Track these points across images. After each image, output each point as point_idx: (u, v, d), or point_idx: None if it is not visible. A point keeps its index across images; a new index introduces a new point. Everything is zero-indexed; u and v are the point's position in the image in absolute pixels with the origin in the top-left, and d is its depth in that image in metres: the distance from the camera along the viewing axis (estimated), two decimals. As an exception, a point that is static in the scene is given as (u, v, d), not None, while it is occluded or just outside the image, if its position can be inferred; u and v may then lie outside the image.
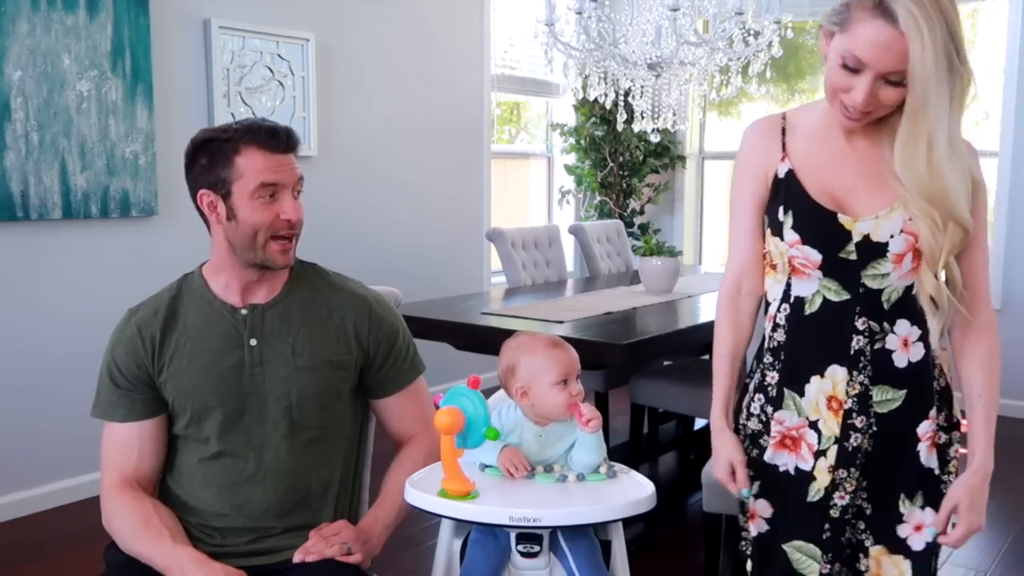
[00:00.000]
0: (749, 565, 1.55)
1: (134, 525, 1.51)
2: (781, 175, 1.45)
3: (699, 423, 3.99)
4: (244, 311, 1.59)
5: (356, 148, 4.30)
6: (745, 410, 1.55)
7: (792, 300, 1.46)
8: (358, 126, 4.30)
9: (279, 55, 3.90)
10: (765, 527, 1.51)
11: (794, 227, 1.42)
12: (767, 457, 1.50)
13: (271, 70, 3.88)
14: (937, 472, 1.42)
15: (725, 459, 1.52)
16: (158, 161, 3.45)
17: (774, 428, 1.49)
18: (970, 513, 1.38)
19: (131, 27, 3.33)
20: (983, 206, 1.40)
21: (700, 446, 3.76)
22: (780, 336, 1.48)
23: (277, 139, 1.52)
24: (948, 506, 1.40)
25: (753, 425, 1.53)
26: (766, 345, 1.51)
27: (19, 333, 3.20)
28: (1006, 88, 4.48)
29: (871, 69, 1.28)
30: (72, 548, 2.93)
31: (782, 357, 1.48)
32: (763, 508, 1.51)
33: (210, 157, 1.52)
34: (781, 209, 1.44)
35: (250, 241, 1.52)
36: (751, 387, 1.55)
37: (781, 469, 1.49)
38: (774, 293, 1.49)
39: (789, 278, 1.46)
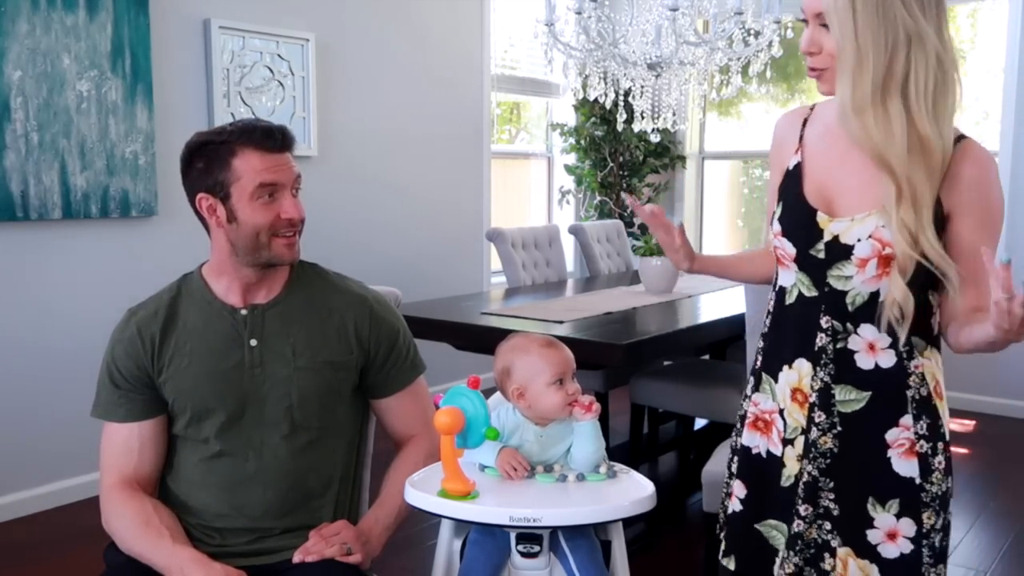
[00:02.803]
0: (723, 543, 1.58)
1: (134, 525, 1.51)
2: (790, 167, 1.47)
3: (699, 423, 3.99)
4: (244, 311, 1.59)
5: (356, 148, 4.30)
6: (743, 394, 1.59)
7: (777, 289, 1.50)
8: (358, 126, 4.30)
9: (279, 55, 3.90)
10: (739, 507, 1.53)
11: (779, 219, 1.45)
12: (744, 438, 1.54)
13: (271, 70, 3.88)
14: (919, 481, 1.40)
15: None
16: (158, 161, 3.45)
17: (750, 409, 1.53)
18: None
19: (131, 27, 3.33)
20: (968, 188, 1.32)
21: (700, 446, 3.76)
22: (768, 322, 1.52)
23: (273, 139, 1.52)
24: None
25: (744, 406, 1.57)
26: (761, 331, 1.55)
27: (19, 333, 3.20)
28: (1006, 88, 4.48)
29: (806, 13, 1.33)
30: (72, 548, 2.93)
31: (765, 343, 1.52)
32: (738, 488, 1.53)
33: (206, 161, 1.51)
34: (777, 200, 1.48)
35: (253, 242, 1.52)
36: (749, 371, 1.60)
37: (754, 452, 1.52)
38: (774, 282, 1.54)
39: (776, 267, 1.50)
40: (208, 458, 1.58)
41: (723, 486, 1.62)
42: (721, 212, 6.04)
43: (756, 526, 1.50)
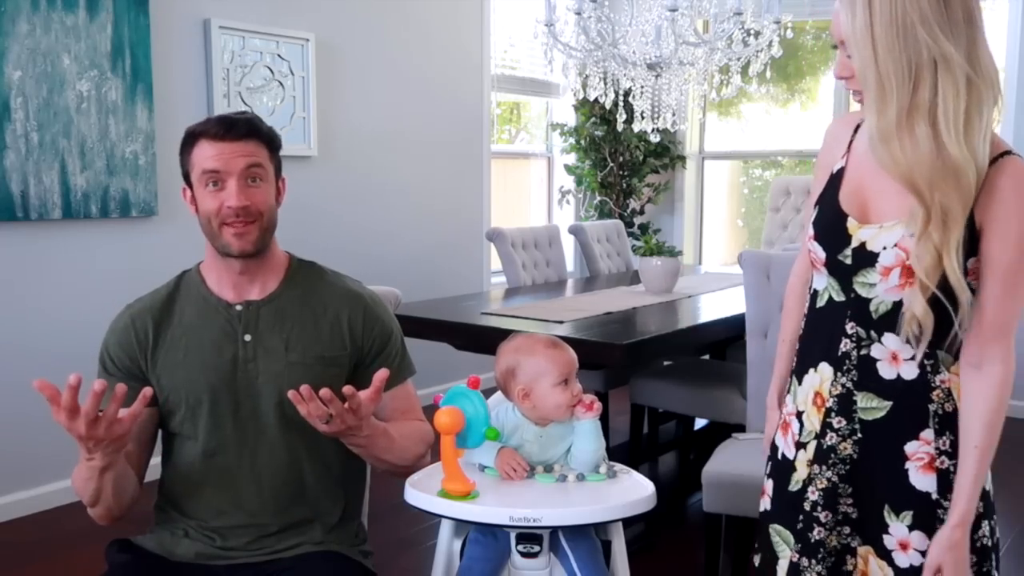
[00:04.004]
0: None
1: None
2: (834, 171, 1.46)
3: (699, 423, 3.99)
4: (239, 307, 1.60)
5: (356, 148, 4.30)
6: None
7: (811, 292, 1.49)
8: (358, 126, 4.30)
9: (279, 55, 3.90)
10: (767, 505, 1.53)
11: (814, 222, 1.45)
12: (775, 438, 1.54)
13: (271, 70, 3.88)
14: (935, 496, 1.38)
15: (768, 437, 1.58)
16: (158, 161, 3.45)
17: (783, 410, 1.53)
18: (955, 573, 1.33)
19: (131, 27, 3.33)
20: (1002, 201, 1.29)
21: (700, 446, 3.76)
22: (803, 324, 1.52)
23: (217, 126, 1.54)
24: (931, 568, 1.34)
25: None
26: (799, 333, 1.54)
27: (18, 333, 3.20)
28: (1006, 88, 4.48)
29: (835, 39, 1.33)
30: (72, 548, 2.93)
31: (799, 345, 1.52)
32: (768, 487, 1.54)
33: (182, 152, 1.59)
34: (816, 204, 1.47)
35: (208, 229, 1.56)
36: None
37: (778, 452, 1.52)
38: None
39: (812, 270, 1.49)
40: (204, 455, 1.58)
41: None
42: (721, 212, 6.04)
43: (769, 527, 1.50)
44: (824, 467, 1.42)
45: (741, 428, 2.68)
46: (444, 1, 4.69)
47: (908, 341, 1.35)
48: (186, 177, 1.59)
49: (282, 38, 3.89)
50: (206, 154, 1.53)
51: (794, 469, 1.46)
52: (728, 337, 3.09)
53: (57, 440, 3.24)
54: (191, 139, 1.56)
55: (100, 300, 3.31)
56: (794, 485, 1.46)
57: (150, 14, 3.39)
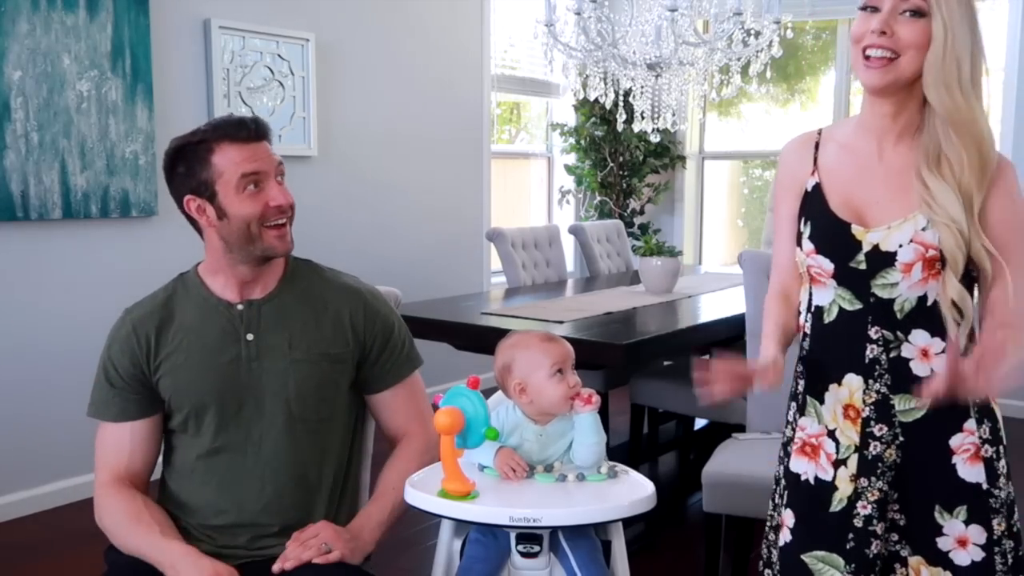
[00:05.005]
0: (768, 574, 1.53)
1: (124, 521, 1.52)
2: (809, 189, 1.46)
3: (699, 423, 3.99)
4: (240, 307, 1.59)
5: (356, 148, 4.30)
6: (784, 419, 1.56)
7: (813, 309, 1.47)
8: (358, 126, 4.30)
9: (279, 55, 3.90)
10: (789, 537, 1.49)
11: (810, 237, 1.44)
12: (791, 465, 1.50)
13: (271, 70, 3.88)
14: (986, 487, 1.38)
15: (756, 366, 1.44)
16: (158, 161, 3.42)
17: (797, 435, 1.50)
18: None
19: (131, 27, 3.33)
20: (1008, 207, 1.35)
21: (700, 446, 3.76)
22: (807, 345, 1.50)
23: (245, 129, 1.52)
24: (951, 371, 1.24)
25: (788, 433, 1.54)
26: (799, 355, 1.52)
27: (19, 333, 3.20)
28: (1006, 88, 4.48)
29: (888, 2, 1.32)
30: (72, 548, 2.93)
31: (805, 366, 1.50)
32: (788, 518, 1.49)
33: (187, 163, 1.53)
34: (802, 220, 1.46)
35: (245, 235, 1.53)
36: (787, 397, 1.56)
37: (802, 478, 1.48)
38: (804, 303, 1.51)
39: (810, 287, 1.47)
40: (206, 454, 1.58)
41: (768, 519, 1.57)
42: (721, 212, 6.04)
43: (802, 557, 1.45)
44: (873, 478, 1.40)
45: (741, 428, 2.68)
46: (444, 1, 4.69)
47: (943, 335, 1.35)
48: (201, 188, 1.53)
49: (282, 38, 3.89)
50: (238, 157, 1.50)
51: (835, 488, 1.43)
52: (728, 337, 3.09)
53: (57, 440, 3.25)
54: (204, 146, 1.51)
55: (100, 300, 3.32)
56: (837, 505, 1.43)
57: (150, 14, 3.39)
